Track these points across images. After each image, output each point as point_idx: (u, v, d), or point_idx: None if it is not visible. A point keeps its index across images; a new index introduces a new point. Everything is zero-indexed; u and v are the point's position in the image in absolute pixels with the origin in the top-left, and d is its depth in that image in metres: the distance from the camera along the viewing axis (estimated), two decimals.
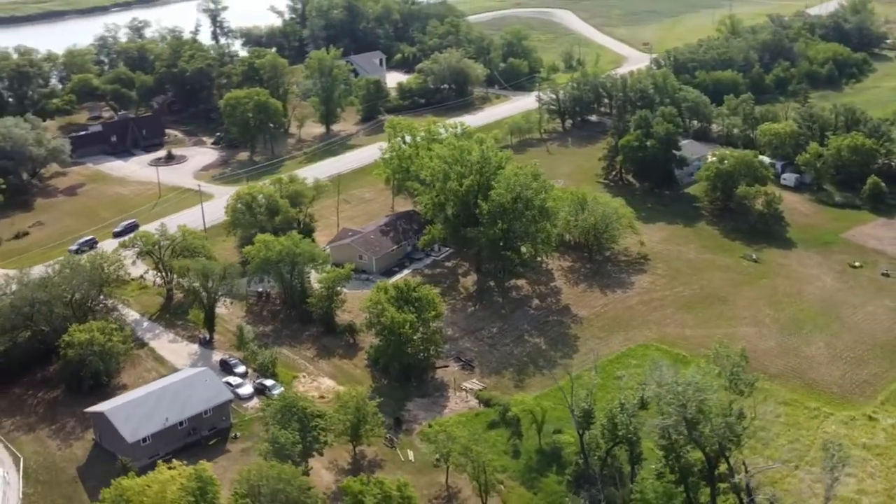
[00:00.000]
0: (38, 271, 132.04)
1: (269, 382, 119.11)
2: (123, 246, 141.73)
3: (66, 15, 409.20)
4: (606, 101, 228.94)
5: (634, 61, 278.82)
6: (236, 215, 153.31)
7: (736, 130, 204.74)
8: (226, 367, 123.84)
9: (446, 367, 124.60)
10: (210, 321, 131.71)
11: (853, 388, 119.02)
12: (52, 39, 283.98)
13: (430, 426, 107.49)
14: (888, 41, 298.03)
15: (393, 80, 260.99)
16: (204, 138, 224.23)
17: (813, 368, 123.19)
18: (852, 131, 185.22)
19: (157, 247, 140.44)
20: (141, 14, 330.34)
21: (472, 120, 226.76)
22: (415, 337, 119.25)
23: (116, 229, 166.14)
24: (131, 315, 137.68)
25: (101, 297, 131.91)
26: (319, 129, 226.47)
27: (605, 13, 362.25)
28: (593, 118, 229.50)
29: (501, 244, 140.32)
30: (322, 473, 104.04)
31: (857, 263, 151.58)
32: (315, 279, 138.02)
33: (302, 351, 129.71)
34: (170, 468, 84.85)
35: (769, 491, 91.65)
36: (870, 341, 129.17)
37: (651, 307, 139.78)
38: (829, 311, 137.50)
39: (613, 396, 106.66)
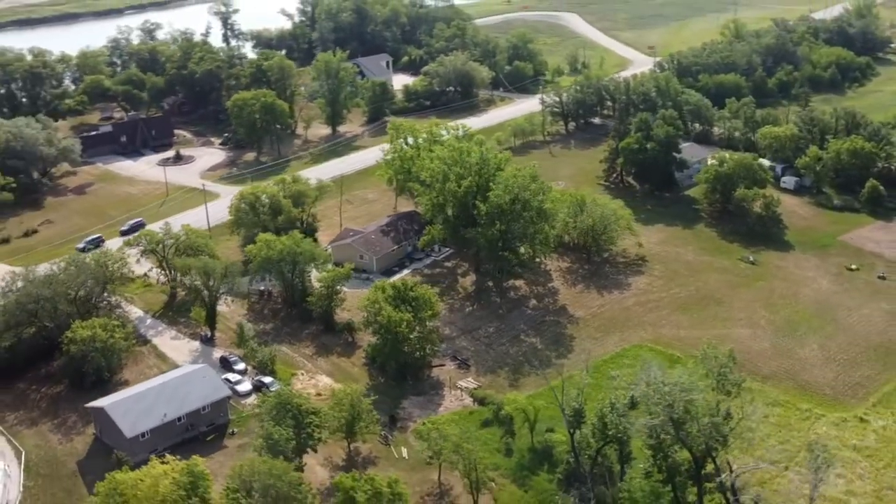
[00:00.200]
0: (43, 269, 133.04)
1: (267, 379, 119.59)
2: (128, 244, 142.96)
3: (81, 17, 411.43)
4: (609, 103, 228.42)
5: (639, 64, 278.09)
6: (240, 215, 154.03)
7: (737, 133, 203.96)
8: (225, 364, 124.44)
9: (442, 365, 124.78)
10: (211, 319, 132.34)
11: (845, 389, 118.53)
12: (68, 41, 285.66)
13: (423, 424, 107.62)
14: (892, 45, 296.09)
15: (400, 82, 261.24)
16: (212, 139, 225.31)
17: (806, 370, 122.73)
18: (852, 135, 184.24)
19: (160, 245, 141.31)
20: (155, 16, 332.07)
21: (477, 122, 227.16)
22: (411, 336, 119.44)
23: (123, 228, 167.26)
24: (135, 312, 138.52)
25: (105, 294, 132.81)
26: (326, 131, 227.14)
27: (611, 17, 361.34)
28: (596, 121, 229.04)
29: (500, 245, 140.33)
30: (317, 469, 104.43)
31: (853, 266, 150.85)
32: (315, 278, 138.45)
33: (301, 349, 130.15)
34: (163, 463, 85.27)
35: (754, 491, 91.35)
36: (864, 343, 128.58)
37: (647, 308, 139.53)
38: (824, 313, 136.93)
39: (607, 396, 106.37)
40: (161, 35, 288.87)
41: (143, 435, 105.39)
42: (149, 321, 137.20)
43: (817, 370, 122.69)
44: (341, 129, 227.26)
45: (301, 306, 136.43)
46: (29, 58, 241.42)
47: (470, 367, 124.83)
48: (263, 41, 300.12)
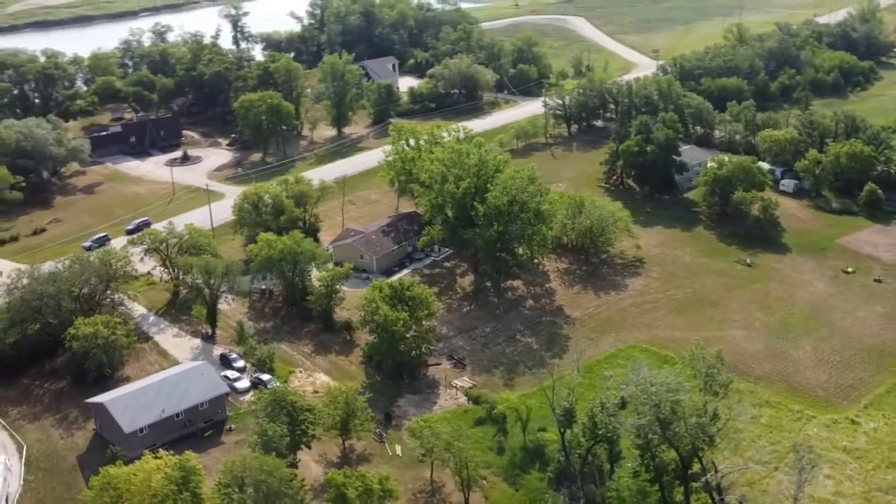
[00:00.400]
0: (48, 266, 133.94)
1: (265, 377, 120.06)
2: (132, 243, 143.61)
3: (96, 19, 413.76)
4: (612, 106, 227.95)
5: (643, 68, 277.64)
6: (243, 214, 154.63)
7: (738, 137, 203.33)
8: (225, 362, 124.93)
9: (438, 364, 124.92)
10: (212, 317, 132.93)
11: (838, 391, 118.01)
12: (83, 43, 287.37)
13: (416, 422, 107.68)
14: None
15: (406, 84, 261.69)
16: (220, 139, 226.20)
17: (799, 372, 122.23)
18: (852, 139, 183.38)
19: (164, 244, 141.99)
20: (168, 19, 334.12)
21: (481, 124, 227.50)
22: (407, 335, 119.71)
23: (129, 227, 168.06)
24: (138, 310, 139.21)
25: (108, 291, 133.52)
26: (331, 132, 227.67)
27: (618, 20, 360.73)
28: (599, 123, 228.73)
29: (498, 246, 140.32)
30: (311, 466, 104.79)
31: (850, 269, 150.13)
32: (315, 277, 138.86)
33: (300, 347, 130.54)
34: (156, 458, 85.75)
35: (742, 491, 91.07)
36: (857, 346, 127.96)
37: (643, 309, 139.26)
38: (819, 315, 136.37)
39: (599, 396, 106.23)
40: (172, 37, 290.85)
41: (141, 430, 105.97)
42: (151, 318, 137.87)
43: (810, 372, 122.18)
44: (347, 130, 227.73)
45: (301, 305, 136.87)
46: (42, 59, 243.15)
47: (465, 366, 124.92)
48: (273, 43, 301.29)
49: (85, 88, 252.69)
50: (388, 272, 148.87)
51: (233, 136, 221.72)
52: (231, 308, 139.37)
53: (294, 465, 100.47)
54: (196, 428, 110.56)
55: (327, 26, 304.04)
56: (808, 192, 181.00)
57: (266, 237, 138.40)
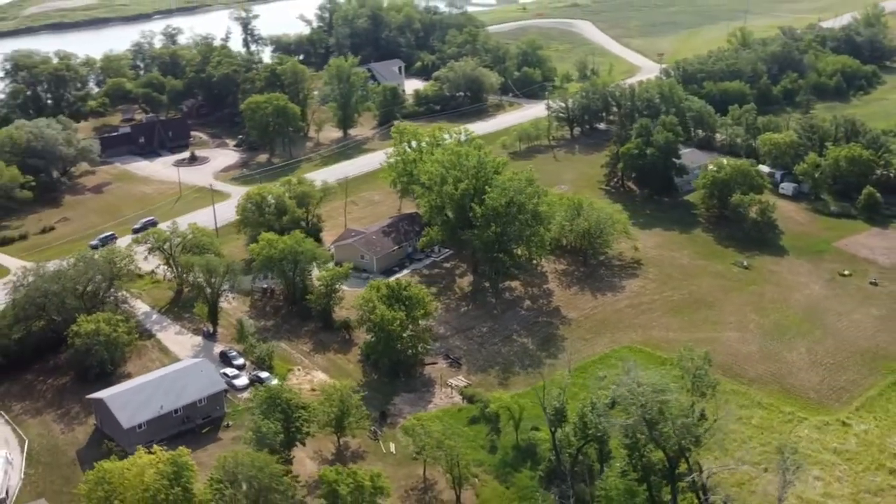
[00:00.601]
0: (54, 264, 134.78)
1: (264, 374, 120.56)
2: (136, 242, 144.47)
3: (110, 22, 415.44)
4: (615, 109, 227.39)
5: (648, 71, 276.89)
6: (246, 214, 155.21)
7: (739, 140, 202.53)
8: (225, 359, 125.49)
9: (435, 363, 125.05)
10: (213, 315, 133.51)
11: (830, 393, 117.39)
12: (97, 45, 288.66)
13: (410, 420, 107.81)
14: None
15: (412, 87, 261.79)
16: (227, 140, 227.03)
17: (792, 374, 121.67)
18: (851, 142, 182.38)
19: (167, 243, 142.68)
20: (181, 21, 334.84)
21: (485, 126, 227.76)
22: (404, 334, 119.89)
23: (136, 226, 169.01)
24: (142, 308, 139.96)
25: (112, 289, 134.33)
26: (337, 134, 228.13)
27: (624, 24, 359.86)
28: (601, 126, 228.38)
29: (495, 247, 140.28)
30: (306, 462, 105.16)
31: (846, 272, 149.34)
32: (315, 277, 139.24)
33: (299, 345, 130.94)
34: (149, 453, 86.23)
35: (726, 491, 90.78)
36: (851, 348, 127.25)
37: (639, 310, 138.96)
38: (813, 317, 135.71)
39: (590, 396, 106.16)
40: (182, 40, 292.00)
41: (140, 426, 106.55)
42: (154, 316, 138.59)
43: (803, 374, 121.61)
44: (352, 132, 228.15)
45: (301, 304, 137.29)
46: (55, 61, 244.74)
47: (461, 365, 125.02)
48: (282, 46, 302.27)
49: (97, 90, 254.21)
50: (389, 272, 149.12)
51: (240, 137, 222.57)
52: (232, 306, 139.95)
53: (288, 461, 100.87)
54: (194, 424, 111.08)
55: (335, 29, 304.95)
56: (807, 195, 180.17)
57: (267, 237, 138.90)
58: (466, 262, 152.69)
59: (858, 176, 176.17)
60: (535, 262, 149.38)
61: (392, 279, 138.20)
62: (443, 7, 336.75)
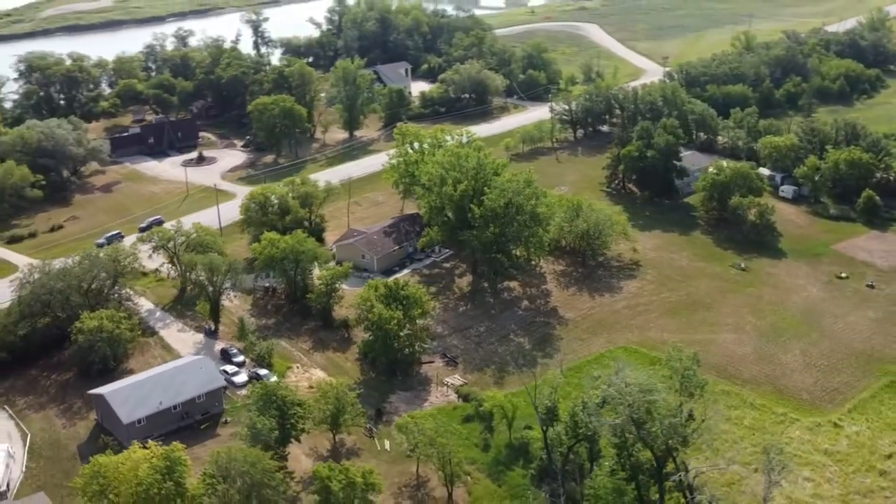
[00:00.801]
0: (60, 262, 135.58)
1: (262, 372, 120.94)
2: (141, 240, 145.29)
3: (125, 24, 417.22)
4: (618, 112, 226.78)
5: (652, 74, 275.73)
6: (249, 214, 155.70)
7: (740, 143, 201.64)
8: (226, 356, 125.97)
9: (432, 362, 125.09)
10: (215, 313, 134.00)
11: (823, 395, 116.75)
12: (112, 46, 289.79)
13: (404, 418, 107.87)
14: None
15: (419, 89, 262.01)
16: (235, 141, 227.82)
17: (786, 375, 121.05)
18: (852, 146, 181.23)
19: (171, 242, 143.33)
20: (194, 24, 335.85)
21: (490, 128, 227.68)
22: (401, 333, 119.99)
23: (142, 225, 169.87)
24: (146, 305, 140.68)
25: (116, 287, 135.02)
26: (343, 135, 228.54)
27: (630, 27, 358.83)
28: (605, 129, 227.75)
29: (494, 247, 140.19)
30: (302, 459, 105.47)
31: (843, 274, 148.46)
32: (315, 276, 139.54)
33: (299, 343, 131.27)
34: (144, 447, 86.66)
35: (715, 491, 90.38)
36: (846, 350, 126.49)
37: (636, 311, 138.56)
38: (810, 319, 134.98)
39: (582, 395, 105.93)
40: (194, 42, 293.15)
41: (139, 421, 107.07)
42: (158, 314, 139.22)
43: (797, 375, 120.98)
44: (358, 133, 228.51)
45: (302, 303, 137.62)
46: (68, 62, 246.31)
47: (458, 364, 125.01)
48: (292, 48, 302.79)
49: (109, 91, 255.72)
50: (389, 272, 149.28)
51: (247, 137, 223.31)
52: (234, 304, 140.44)
53: (283, 457, 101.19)
54: (193, 420, 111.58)
55: (344, 32, 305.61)
56: (807, 198, 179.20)
57: (269, 236, 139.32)
58: (466, 263, 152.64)
59: (858, 179, 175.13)
60: (533, 262, 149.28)
61: (391, 279, 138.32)
62: (450, 10, 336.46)
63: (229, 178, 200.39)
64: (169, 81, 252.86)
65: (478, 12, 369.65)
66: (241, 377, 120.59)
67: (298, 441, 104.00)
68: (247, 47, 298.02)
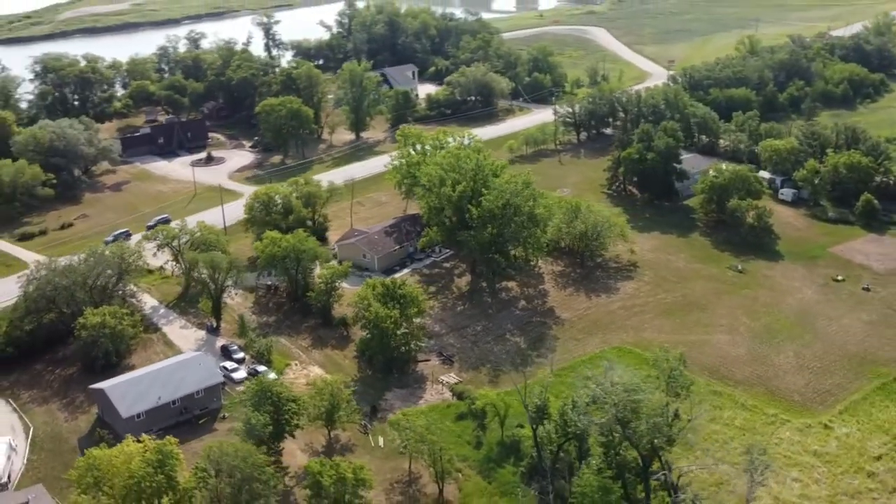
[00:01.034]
0: (66, 259, 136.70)
1: (261, 368, 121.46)
2: (146, 239, 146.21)
3: (141, 26, 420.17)
4: (622, 114, 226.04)
5: (657, 77, 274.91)
6: (253, 213, 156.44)
7: (742, 146, 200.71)
8: (226, 353, 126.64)
9: (428, 360, 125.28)
10: (217, 310, 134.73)
11: (814, 396, 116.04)
12: (128, 49, 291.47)
13: (397, 415, 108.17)
14: None
15: (426, 91, 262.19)
16: (244, 141, 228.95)
17: (778, 376, 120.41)
18: (852, 149, 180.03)
19: (176, 240, 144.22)
20: (208, 26, 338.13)
21: (495, 130, 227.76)
22: (398, 332, 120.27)
23: (150, 223, 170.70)
24: (150, 302, 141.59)
25: (121, 284, 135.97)
26: (350, 136, 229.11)
27: (637, 31, 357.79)
28: (608, 131, 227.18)
29: (492, 248, 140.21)
30: (297, 454, 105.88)
31: (840, 277, 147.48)
32: (316, 275, 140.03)
33: (298, 341, 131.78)
34: (137, 441, 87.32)
35: (692, 490, 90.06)
36: (839, 352, 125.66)
37: (632, 312, 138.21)
38: (804, 321, 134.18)
39: (572, 394, 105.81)
40: (206, 44, 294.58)
41: (138, 416, 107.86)
42: (162, 311, 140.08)
43: (789, 377, 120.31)
44: (365, 134, 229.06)
45: (303, 301, 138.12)
46: (82, 64, 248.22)
47: (454, 363, 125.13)
48: (302, 51, 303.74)
49: (122, 92, 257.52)
50: (389, 271, 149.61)
51: (255, 138, 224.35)
52: (236, 302, 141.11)
53: (278, 452, 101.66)
54: (191, 415, 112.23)
55: (353, 35, 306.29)
56: (806, 201, 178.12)
57: (271, 235, 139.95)
58: (465, 263, 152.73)
59: (857, 182, 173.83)
60: (531, 262, 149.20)
61: (390, 278, 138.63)
62: (459, 14, 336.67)
63: (237, 178, 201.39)
64: (180, 83, 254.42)
65: (488, 16, 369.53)
66: (241, 373, 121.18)
67: (293, 436, 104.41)
68: (258, 49, 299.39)
